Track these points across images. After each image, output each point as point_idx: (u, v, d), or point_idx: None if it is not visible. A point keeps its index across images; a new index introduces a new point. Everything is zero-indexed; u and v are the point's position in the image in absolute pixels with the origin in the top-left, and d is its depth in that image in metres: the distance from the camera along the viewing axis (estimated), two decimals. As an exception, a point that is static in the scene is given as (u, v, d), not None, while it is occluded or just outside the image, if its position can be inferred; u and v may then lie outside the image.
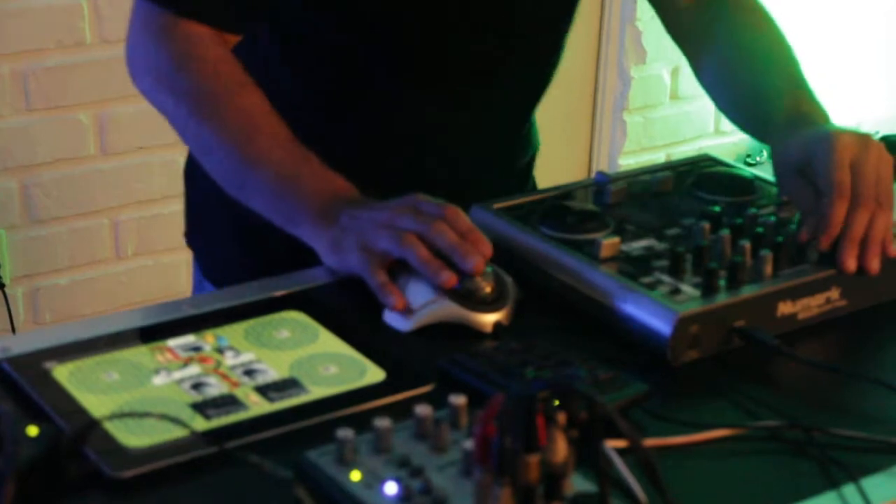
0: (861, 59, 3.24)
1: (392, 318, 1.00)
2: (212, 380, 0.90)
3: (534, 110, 1.32)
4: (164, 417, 0.82)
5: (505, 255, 1.04)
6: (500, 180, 1.29)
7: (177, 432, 0.82)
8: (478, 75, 1.22)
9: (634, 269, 1.01)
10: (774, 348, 0.95)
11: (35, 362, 0.91)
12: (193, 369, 0.91)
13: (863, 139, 1.05)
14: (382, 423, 0.76)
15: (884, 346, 1.03)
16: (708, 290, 0.97)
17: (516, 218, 1.10)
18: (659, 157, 3.01)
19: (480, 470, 0.67)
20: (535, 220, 1.09)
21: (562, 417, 0.68)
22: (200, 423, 0.84)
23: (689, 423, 0.86)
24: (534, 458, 0.66)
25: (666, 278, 0.99)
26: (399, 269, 1.01)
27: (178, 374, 0.91)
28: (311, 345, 0.96)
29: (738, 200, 1.14)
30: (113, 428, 0.82)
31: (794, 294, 1.00)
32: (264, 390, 0.89)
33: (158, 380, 0.90)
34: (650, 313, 0.95)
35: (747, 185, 1.17)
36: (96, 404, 0.86)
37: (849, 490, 0.80)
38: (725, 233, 1.03)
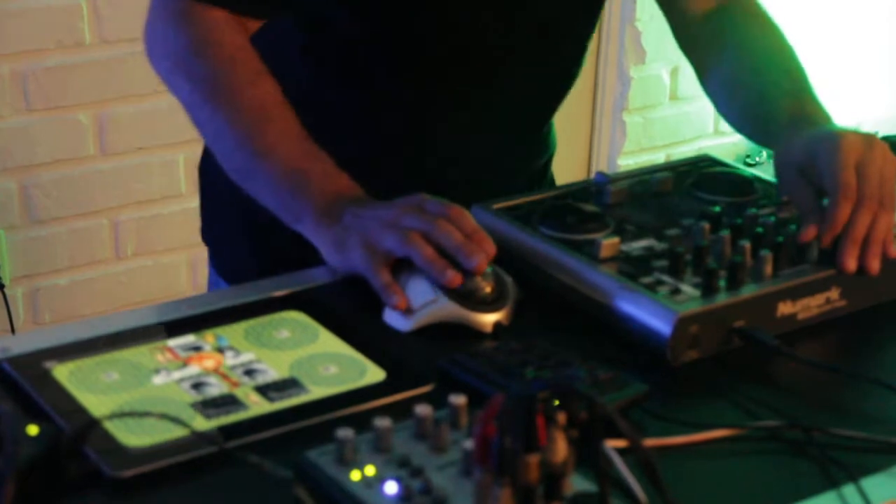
0: (861, 60, 3.25)
1: (392, 318, 1.00)
2: (212, 380, 0.90)
3: (553, 112, 1.32)
4: (164, 417, 0.82)
5: (505, 256, 1.04)
6: (515, 181, 1.29)
7: (177, 432, 0.82)
8: (493, 77, 1.22)
9: (634, 269, 1.01)
10: (774, 348, 0.95)
11: (35, 362, 0.91)
12: (193, 369, 0.91)
13: (867, 140, 1.05)
14: (382, 422, 0.76)
15: (883, 346, 1.03)
16: (708, 290, 0.97)
17: (516, 218, 1.10)
18: (658, 158, 3.01)
19: (480, 470, 0.67)
20: (535, 220, 1.09)
21: (562, 417, 0.68)
22: (200, 423, 0.84)
23: (689, 423, 0.86)
24: (534, 458, 0.66)
25: (666, 278, 0.99)
26: (399, 269, 1.01)
27: (178, 374, 0.91)
28: (311, 345, 0.96)
29: (737, 201, 1.14)
30: (113, 427, 0.82)
31: (794, 294, 1.00)
32: (264, 390, 0.89)
33: (158, 379, 0.90)
34: (650, 313, 0.95)
35: (747, 186, 1.17)
36: (96, 404, 0.86)
37: (849, 490, 0.80)
38: (725, 233, 1.03)
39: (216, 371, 0.91)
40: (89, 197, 2.36)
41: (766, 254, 1.00)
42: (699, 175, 1.19)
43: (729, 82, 1.25)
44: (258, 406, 0.87)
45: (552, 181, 1.40)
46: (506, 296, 1.00)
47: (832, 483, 0.80)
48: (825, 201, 1.04)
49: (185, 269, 2.50)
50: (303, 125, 1.11)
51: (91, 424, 0.80)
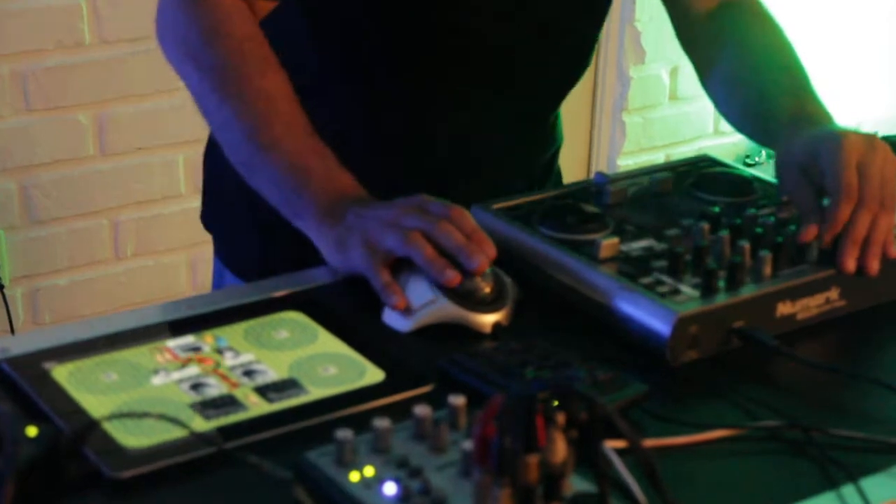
0: (862, 60, 3.24)
1: (391, 319, 1.00)
2: (211, 380, 0.90)
3: (554, 109, 1.32)
4: (163, 418, 0.82)
5: (504, 256, 1.04)
6: (519, 177, 1.29)
7: (176, 433, 0.81)
8: (495, 75, 1.22)
9: (634, 269, 1.01)
10: (774, 349, 0.95)
11: (34, 363, 0.91)
12: (193, 370, 0.91)
13: (869, 140, 1.05)
14: (382, 423, 0.76)
15: (883, 346, 1.03)
16: (707, 290, 0.97)
17: (516, 218, 1.10)
18: (658, 158, 3.01)
19: (480, 470, 0.67)
20: (535, 220, 1.09)
21: (561, 418, 0.68)
22: (200, 424, 0.84)
23: (689, 423, 0.86)
24: (533, 459, 0.66)
25: (665, 279, 0.99)
26: (399, 270, 1.01)
27: (177, 375, 0.91)
28: (310, 345, 0.96)
29: (737, 201, 1.14)
30: (112, 428, 0.82)
31: (794, 294, 1.00)
32: (263, 391, 0.89)
33: (158, 380, 0.90)
34: (649, 314, 0.95)
35: (746, 186, 1.17)
36: (95, 405, 0.86)
37: (848, 490, 0.80)
38: (725, 233, 1.03)
39: (215, 372, 0.91)
40: (89, 197, 2.36)
41: (766, 254, 1.00)
42: (699, 175, 1.19)
43: (729, 81, 1.25)
44: (257, 407, 0.87)
45: (559, 175, 1.40)
46: (505, 296, 1.00)
47: (832, 483, 0.80)
48: (825, 201, 1.04)
49: (185, 270, 2.50)
50: (308, 119, 1.11)
51: (90, 425, 0.80)
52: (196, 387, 0.89)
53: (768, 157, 2.88)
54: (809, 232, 1.02)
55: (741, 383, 0.93)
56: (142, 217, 2.42)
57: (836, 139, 1.04)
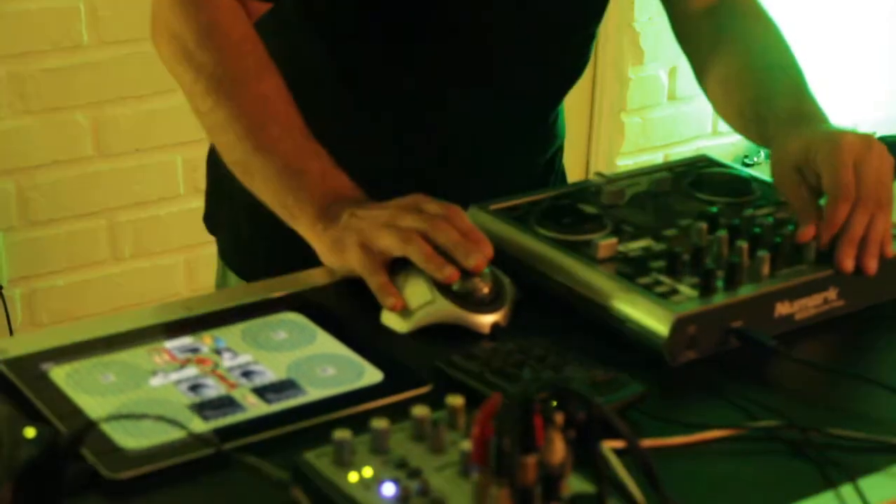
0: (859, 61, 3.25)
1: (389, 320, 1.00)
2: (209, 381, 0.90)
3: (555, 107, 1.32)
4: (161, 419, 0.82)
5: (502, 256, 1.04)
6: (520, 176, 1.29)
7: (174, 434, 0.81)
8: (493, 73, 1.22)
9: (632, 269, 1.01)
10: (772, 349, 0.95)
11: (32, 364, 0.91)
12: (191, 371, 0.91)
13: (866, 140, 1.05)
14: (380, 424, 0.76)
15: (881, 346, 1.03)
16: (705, 290, 0.97)
17: (514, 219, 1.10)
18: (657, 158, 3.01)
19: (478, 471, 0.67)
20: (533, 220, 1.09)
21: (559, 418, 0.68)
22: (198, 425, 0.84)
23: (687, 423, 0.86)
24: (531, 459, 0.66)
25: (663, 279, 0.99)
26: (396, 271, 1.01)
27: (175, 376, 0.91)
28: (308, 346, 0.96)
29: (735, 201, 1.14)
30: (110, 429, 0.82)
31: (792, 294, 1.00)
32: (262, 392, 0.89)
33: (156, 381, 0.90)
34: (648, 314, 0.95)
35: (745, 186, 1.17)
36: (93, 406, 0.86)
37: (846, 490, 0.80)
38: (723, 233, 1.03)
39: (213, 373, 0.91)
40: (87, 198, 2.35)
41: (764, 254, 1.00)
42: (697, 175, 1.19)
43: (726, 80, 1.25)
44: (255, 408, 0.87)
45: (563, 174, 1.40)
46: (503, 296, 1.00)
47: (830, 483, 0.80)
48: (822, 201, 1.04)
49: (183, 271, 2.50)
50: (304, 119, 1.11)
51: (88, 426, 0.80)
52: (194, 388, 0.89)
53: (766, 157, 2.88)
54: (807, 232, 1.02)
55: (739, 383, 0.93)
56: (140, 218, 2.42)
57: (833, 139, 1.04)
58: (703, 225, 1.05)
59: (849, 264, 1.01)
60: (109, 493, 0.78)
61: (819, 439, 0.85)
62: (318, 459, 0.75)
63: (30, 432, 0.75)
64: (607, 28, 2.90)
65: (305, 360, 0.94)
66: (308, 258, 1.08)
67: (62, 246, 2.36)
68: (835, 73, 3.14)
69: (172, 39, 1.14)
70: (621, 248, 1.04)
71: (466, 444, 0.72)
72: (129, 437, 0.82)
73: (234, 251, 1.35)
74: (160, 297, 2.42)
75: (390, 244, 0.99)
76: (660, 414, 0.87)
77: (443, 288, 0.98)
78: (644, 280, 0.99)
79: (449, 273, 0.97)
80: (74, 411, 0.85)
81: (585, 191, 1.16)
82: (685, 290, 0.97)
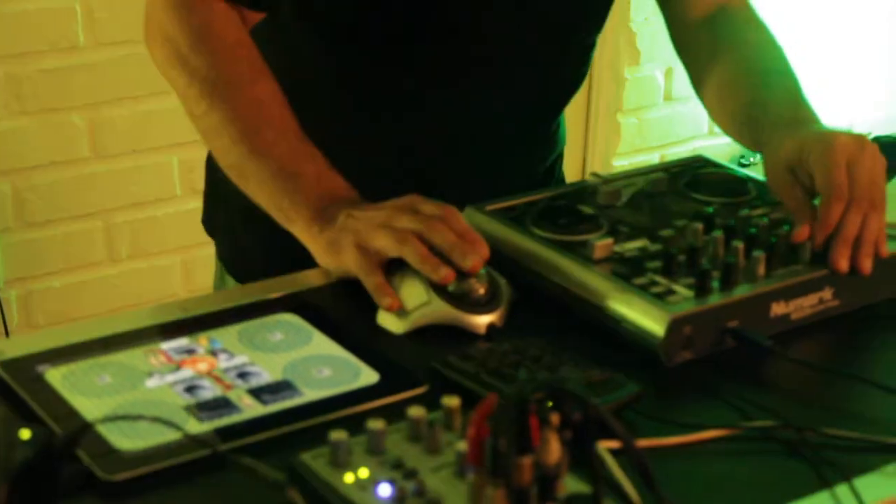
0: (854, 61, 3.25)
1: (385, 321, 1.00)
2: (205, 382, 0.90)
3: (557, 114, 1.33)
4: (157, 420, 0.82)
5: (498, 257, 1.04)
6: (519, 182, 1.29)
7: (170, 435, 0.81)
8: (494, 78, 1.22)
9: (628, 270, 1.01)
10: (767, 349, 0.95)
11: (28, 366, 0.91)
12: (187, 372, 0.91)
13: (858, 140, 1.05)
14: (376, 425, 0.76)
15: (876, 346, 1.03)
16: (701, 290, 0.97)
17: (510, 219, 1.10)
18: (653, 159, 3.01)
19: (474, 471, 0.67)
20: (529, 221, 1.09)
21: (555, 419, 0.68)
22: (194, 426, 0.84)
23: (683, 423, 0.86)
24: (527, 460, 0.66)
25: (659, 279, 0.99)
26: (392, 272, 1.01)
27: (171, 377, 0.91)
28: (304, 347, 0.96)
29: (731, 201, 1.14)
30: (106, 431, 0.82)
31: (787, 294, 1.00)
32: (258, 393, 0.89)
33: (151, 382, 0.90)
34: (643, 314, 0.95)
35: (740, 187, 1.17)
36: (89, 407, 0.86)
37: (842, 490, 0.80)
38: (718, 234, 1.04)
39: (209, 374, 0.91)
40: (83, 199, 2.35)
41: (760, 254, 1.00)
42: (692, 176, 1.19)
43: (721, 87, 1.25)
44: (251, 409, 0.87)
45: (562, 180, 1.40)
46: (499, 297, 1.00)
47: (825, 483, 0.80)
48: (816, 202, 1.04)
49: (180, 272, 2.50)
50: (300, 122, 1.11)
51: (84, 428, 0.80)
52: (190, 389, 0.89)
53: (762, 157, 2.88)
54: (802, 232, 1.03)
55: (735, 383, 0.93)
56: (136, 219, 2.42)
57: (825, 139, 1.04)
58: (699, 225, 1.05)
59: (844, 264, 1.01)
60: (105, 494, 0.78)
61: (814, 439, 0.85)
62: (314, 460, 0.75)
63: (25, 434, 0.75)
64: (604, 28, 2.91)
65: (301, 362, 0.94)
66: (304, 262, 1.08)
67: (58, 247, 2.36)
68: (831, 73, 3.14)
69: (166, 43, 1.13)
70: (617, 248, 1.04)
71: (462, 445, 0.72)
72: (125, 439, 0.82)
73: (232, 255, 1.35)
74: (157, 299, 2.42)
75: (386, 245, 1.00)
76: (655, 414, 0.87)
77: (438, 289, 0.98)
78: (640, 280, 0.99)
79: (444, 274, 0.97)
80: (70, 413, 0.85)
81: (581, 191, 1.16)
82: (681, 290, 0.97)
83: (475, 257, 0.98)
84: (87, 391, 0.88)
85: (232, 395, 0.88)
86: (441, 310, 0.98)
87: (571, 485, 0.71)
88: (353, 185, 1.09)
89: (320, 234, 1.04)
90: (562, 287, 1.02)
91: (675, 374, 0.94)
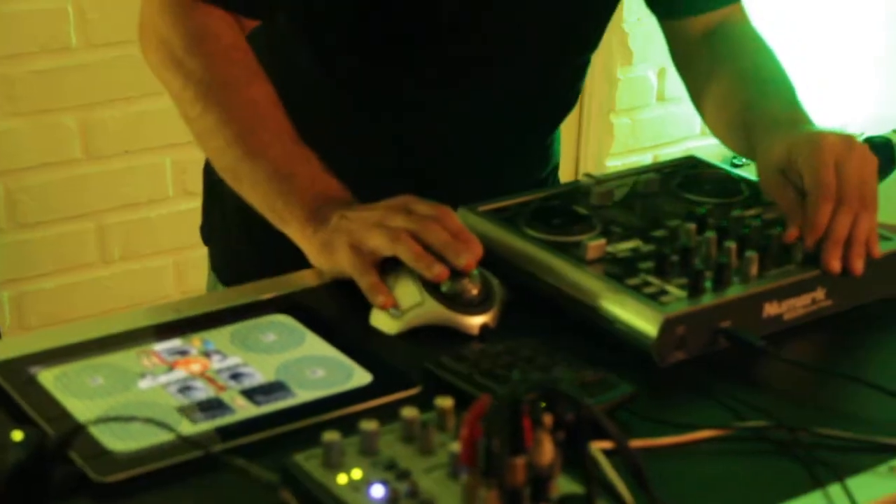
0: (848, 61, 3.26)
1: (379, 321, 1.00)
2: (198, 383, 0.90)
3: (553, 126, 1.33)
4: (150, 421, 0.81)
5: (491, 257, 1.04)
6: (517, 183, 1.29)
7: (163, 436, 0.81)
8: (488, 87, 1.22)
9: (621, 270, 1.01)
10: (760, 349, 0.95)
11: (21, 367, 0.91)
12: (180, 373, 0.91)
13: (847, 140, 1.05)
14: (369, 426, 0.76)
15: (869, 346, 1.03)
16: (694, 291, 0.97)
17: (503, 220, 1.10)
18: (646, 159, 3.02)
19: (467, 472, 0.67)
20: (522, 222, 1.09)
21: (548, 419, 0.68)
22: (187, 427, 0.84)
23: (676, 423, 0.86)
24: (520, 461, 0.66)
25: (652, 279, 0.99)
26: (386, 273, 1.01)
27: (164, 378, 0.90)
28: (297, 348, 0.96)
29: (723, 202, 1.14)
30: (98, 432, 0.82)
31: (780, 295, 1.00)
32: (251, 394, 0.89)
33: (144, 384, 0.90)
34: (636, 314, 0.95)
35: (733, 187, 1.17)
36: (82, 409, 0.86)
37: (834, 490, 0.80)
38: (711, 234, 1.04)
39: (202, 375, 0.91)
40: (76, 201, 2.35)
41: (752, 255, 1.00)
42: (685, 176, 1.19)
43: (718, 99, 1.26)
44: (244, 410, 0.87)
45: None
46: (492, 298, 1.00)
47: (818, 483, 0.81)
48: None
49: (173, 273, 2.49)
50: (299, 123, 1.11)
51: (77, 429, 0.80)
52: (183, 390, 0.89)
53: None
54: (793, 232, 1.03)
55: (728, 384, 0.93)
56: (129, 220, 2.42)
57: (813, 140, 1.04)
58: (692, 226, 1.05)
59: (835, 265, 1.01)
60: (98, 496, 0.78)
61: (807, 439, 0.85)
62: (307, 461, 0.75)
63: (17, 435, 0.75)
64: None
65: (294, 362, 0.94)
66: (298, 269, 1.08)
67: (51, 248, 2.35)
68: (824, 73, 3.14)
69: (161, 46, 1.13)
70: (610, 248, 1.04)
71: (455, 446, 0.72)
72: (118, 440, 0.82)
73: (226, 262, 1.35)
74: (149, 300, 2.41)
75: (380, 244, 1.00)
76: (648, 414, 0.87)
77: (432, 289, 0.98)
78: (633, 281, 0.99)
79: (438, 271, 0.97)
80: (63, 414, 0.85)
81: (574, 192, 1.16)
82: (674, 290, 0.98)
83: (469, 256, 0.98)
84: (79, 392, 0.88)
85: (225, 396, 0.88)
86: (434, 310, 0.98)
87: (564, 485, 0.71)
88: (351, 185, 1.09)
89: (314, 234, 1.04)
90: (555, 288, 1.02)
91: (668, 375, 0.94)
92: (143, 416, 0.83)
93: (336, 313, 1.02)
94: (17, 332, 2.35)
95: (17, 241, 2.32)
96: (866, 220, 1.02)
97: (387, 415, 0.80)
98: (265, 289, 1.06)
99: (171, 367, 0.92)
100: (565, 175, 1.48)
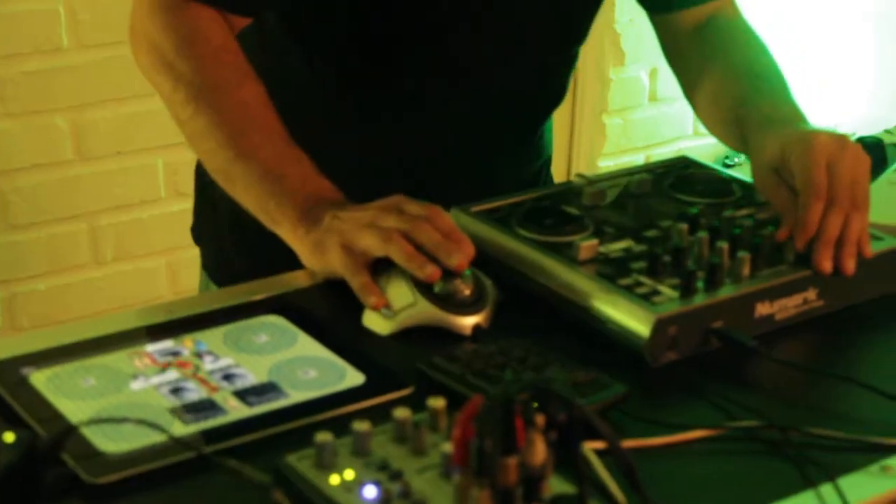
0: (840, 61, 3.26)
1: (371, 322, 1.00)
2: (190, 384, 0.90)
3: (542, 121, 1.33)
4: (142, 423, 0.81)
5: (484, 258, 1.04)
6: (505, 187, 1.29)
7: (155, 437, 0.81)
8: (473, 84, 1.22)
9: (613, 270, 1.01)
10: (752, 349, 0.95)
11: (12, 368, 0.91)
12: (172, 374, 0.91)
13: (840, 140, 1.06)
14: (361, 426, 0.76)
15: (860, 346, 1.03)
16: (686, 291, 0.97)
17: (495, 220, 1.10)
18: (638, 159, 3.02)
19: (459, 472, 0.67)
20: (514, 222, 1.09)
21: (540, 419, 0.68)
22: (179, 429, 0.84)
23: (668, 424, 0.86)
24: (512, 461, 0.66)
25: (644, 280, 0.99)
26: (378, 274, 1.01)
27: (156, 379, 0.90)
28: (289, 349, 0.96)
29: (715, 202, 1.14)
30: (90, 433, 0.82)
31: (772, 295, 1.00)
32: (243, 395, 0.89)
33: (136, 385, 0.90)
34: (628, 315, 0.96)
35: (725, 187, 1.17)
36: (74, 410, 0.86)
37: (826, 489, 0.80)
38: (703, 234, 1.04)
39: (195, 376, 0.91)
40: (68, 202, 2.35)
41: (744, 255, 1.00)
42: (677, 177, 1.19)
43: (711, 93, 1.26)
44: (237, 411, 0.87)
45: (552, 183, 1.40)
46: (485, 298, 1.00)
47: (809, 482, 0.81)
48: (802, 202, 1.05)
49: (165, 274, 2.49)
50: (295, 124, 1.11)
51: (68, 431, 0.80)
52: (175, 391, 0.89)
53: (747, 158, 2.89)
54: (784, 231, 1.03)
55: (720, 384, 0.93)
56: (121, 221, 2.41)
57: (806, 139, 1.04)
58: (684, 226, 1.06)
59: (826, 266, 1.01)
60: (90, 497, 0.78)
61: (798, 439, 0.85)
62: (299, 462, 0.75)
63: (9, 437, 0.75)
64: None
65: (287, 363, 0.93)
66: (290, 270, 1.07)
67: (43, 249, 2.35)
68: (816, 73, 3.15)
69: (151, 49, 1.13)
70: (602, 249, 1.04)
71: (448, 446, 0.72)
72: (110, 442, 0.81)
73: (217, 263, 1.35)
74: (142, 301, 2.41)
75: (371, 244, 1.00)
76: (641, 414, 0.87)
77: (424, 290, 0.98)
78: (625, 281, 0.99)
79: (431, 271, 0.98)
80: (54, 416, 0.85)
81: (567, 192, 1.16)
82: (666, 290, 0.98)
83: (461, 256, 0.98)
84: (71, 394, 0.88)
85: (217, 398, 0.88)
86: (426, 311, 0.98)
87: (557, 485, 0.71)
88: (345, 184, 1.09)
89: (306, 235, 1.04)
90: (547, 288, 1.02)
91: (660, 375, 0.95)
92: (135, 417, 0.83)
93: (328, 314, 1.02)
94: (8, 334, 2.34)
95: (9, 242, 2.31)
96: (858, 221, 1.02)
97: (379, 415, 0.80)
98: (257, 289, 1.06)
99: (163, 368, 0.92)
100: (558, 175, 1.48)
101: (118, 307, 2.41)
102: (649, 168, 1.24)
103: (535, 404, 0.69)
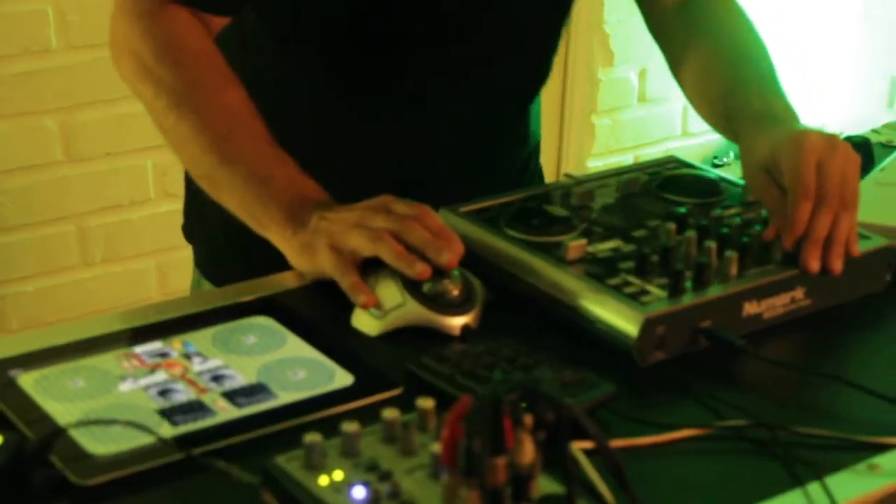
0: (827, 61, 3.27)
1: (360, 322, 1.00)
2: (179, 386, 0.90)
3: (523, 109, 1.33)
4: (130, 424, 0.81)
5: (473, 258, 1.04)
6: (493, 176, 1.30)
7: (143, 439, 0.81)
8: (457, 75, 1.22)
9: (601, 270, 1.01)
10: (740, 348, 0.95)
11: (0, 371, 0.91)
12: (160, 376, 0.91)
13: (830, 139, 1.06)
14: (350, 427, 0.76)
15: (848, 345, 1.04)
16: (674, 291, 0.97)
17: (484, 221, 1.10)
18: (627, 160, 3.02)
19: (448, 472, 0.68)
20: (503, 222, 1.09)
21: (529, 419, 0.68)
22: (167, 430, 0.84)
23: (656, 423, 0.86)
24: (501, 461, 0.66)
25: (632, 279, 1.00)
26: (366, 274, 1.01)
27: (144, 381, 0.90)
28: (278, 350, 0.96)
29: (703, 202, 1.14)
30: (79, 435, 0.82)
31: (760, 294, 1.01)
32: (232, 396, 0.89)
33: (125, 386, 0.90)
34: (617, 314, 0.96)
35: (713, 187, 1.17)
36: (62, 412, 0.86)
37: (814, 488, 0.80)
38: (691, 234, 1.04)
39: (183, 377, 0.91)
40: (57, 203, 2.34)
41: (732, 254, 1.01)
42: (665, 177, 1.20)
43: (697, 73, 1.25)
44: (226, 412, 0.87)
45: (540, 174, 1.40)
46: (473, 298, 1.01)
47: (797, 481, 0.81)
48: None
49: (154, 276, 2.49)
50: (270, 127, 1.11)
51: (56, 432, 0.79)
52: (164, 393, 0.89)
53: (736, 157, 2.90)
54: (771, 231, 1.03)
55: (708, 383, 0.93)
56: (110, 223, 2.41)
57: (796, 139, 1.05)
58: (672, 226, 1.06)
59: (814, 265, 1.01)
60: (78, 499, 0.77)
61: (787, 438, 0.85)
62: (288, 463, 0.75)
63: (-3, 439, 0.75)
64: (577, 29, 2.92)
65: (276, 364, 0.93)
66: (281, 268, 1.08)
67: (32, 251, 2.34)
68: (803, 73, 3.16)
69: (132, 56, 1.13)
70: (590, 249, 1.05)
71: (437, 447, 0.72)
72: (98, 443, 0.81)
73: (210, 261, 1.35)
74: (132, 302, 2.41)
75: (360, 244, 1.00)
76: (629, 414, 0.87)
77: (413, 290, 0.98)
78: (613, 281, 0.99)
79: (421, 269, 0.98)
80: (43, 418, 0.85)
81: (555, 192, 1.16)
82: (654, 290, 0.98)
83: (451, 253, 0.99)
84: (59, 396, 0.88)
85: (206, 399, 0.88)
86: (415, 311, 0.98)
87: (545, 485, 0.71)
88: (343, 184, 1.09)
89: (294, 236, 1.04)
90: (536, 288, 1.03)
91: (648, 374, 0.95)
92: (123, 418, 0.83)
93: (317, 315, 1.02)
94: (-3, 336, 2.34)
95: (-2, 243, 2.31)
96: (846, 220, 1.03)
97: (368, 416, 0.80)
98: (246, 291, 1.06)
99: (151, 370, 0.92)
100: (547, 175, 1.48)
101: (107, 309, 2.40)
102: (638, 168, 1.24)
103: (524, 404, 0.69)
